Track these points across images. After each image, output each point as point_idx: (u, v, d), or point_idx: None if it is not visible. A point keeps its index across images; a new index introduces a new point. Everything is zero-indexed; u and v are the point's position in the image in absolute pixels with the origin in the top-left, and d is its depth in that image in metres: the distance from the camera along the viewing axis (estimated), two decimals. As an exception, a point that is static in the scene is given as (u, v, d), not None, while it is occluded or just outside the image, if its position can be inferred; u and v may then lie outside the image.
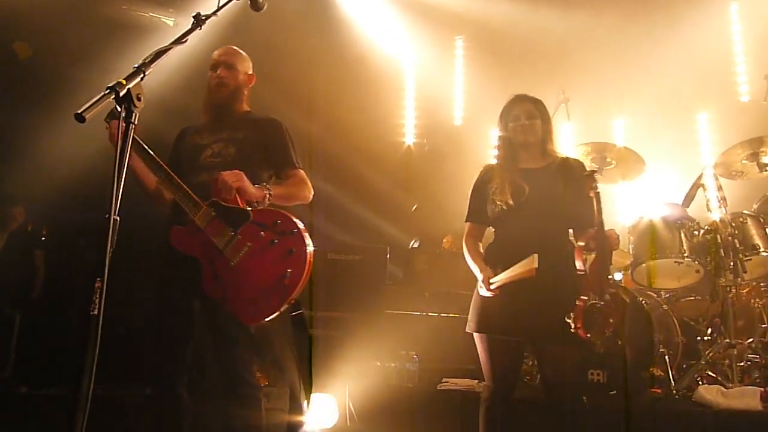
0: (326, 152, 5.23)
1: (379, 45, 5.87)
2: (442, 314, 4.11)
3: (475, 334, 2.45)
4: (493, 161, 2.69)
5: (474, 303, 2.48)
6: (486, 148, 5.88)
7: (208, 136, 2.56)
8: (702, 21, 5.29)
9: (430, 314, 4.10)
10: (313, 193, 2.60)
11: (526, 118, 2.49)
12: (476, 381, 3.42)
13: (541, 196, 2.40)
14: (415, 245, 5.14)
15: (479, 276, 2.41)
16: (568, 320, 2.23)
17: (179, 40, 1.57)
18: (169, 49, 1.51)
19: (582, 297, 2.26)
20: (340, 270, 4.43)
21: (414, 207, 5.64)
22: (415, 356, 3.52)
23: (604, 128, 5.21)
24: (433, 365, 3.79)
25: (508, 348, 2.37)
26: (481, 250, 2.55)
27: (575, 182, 2.41)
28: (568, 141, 4.85)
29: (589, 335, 2.21)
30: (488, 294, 2.34)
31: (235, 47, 2.72)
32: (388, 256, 4.69)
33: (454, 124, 6.03)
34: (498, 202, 2.41)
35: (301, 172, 2.60)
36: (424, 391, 3.45)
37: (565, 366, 2.37)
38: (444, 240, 5.08)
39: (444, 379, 3.44)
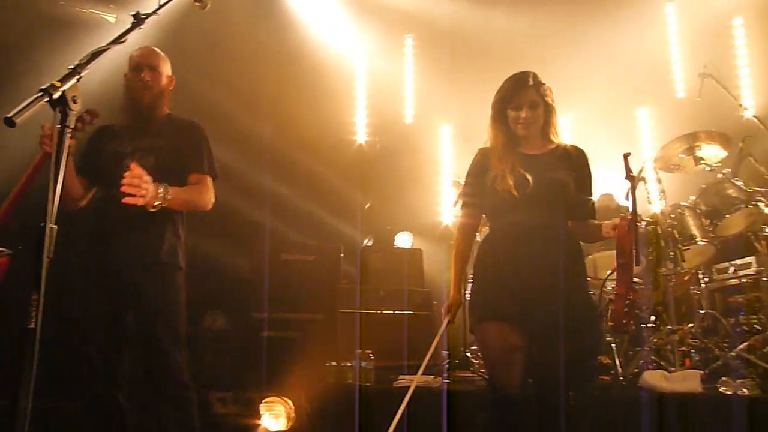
0: (277, 151, 5.18)
1: (328, 43, 5.83)
2: (396, 312, 4.13)
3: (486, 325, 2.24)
4: (487, 144, 2.44)
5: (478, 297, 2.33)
6: (437, 146, 5.96)
7: (129, 143, 2.52)
8: (640, 20, 5.50)
9: (385, 312, 4.12)
10: (213, 201, 2.57)
11: (528, 108, 2.27)
12: (432, 377, 3.46)
13: (545, 185, 2.23)
14: (369, 244, 5.15)
15: (452, 291, 2.38)
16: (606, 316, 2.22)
17: (117, 40, 1.51)
18: (107, 49, 1.46)
19: (617, 292, 2.26)
20: (293, 270, 4.40)
21: (367, 205, 5.64)
22: (371, 355, 3.52)
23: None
24: (390, 363, 3.82)
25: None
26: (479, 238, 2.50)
27: (578, 171, 2.32)
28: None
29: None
30: (444, 321, 2.32)
31: (156, 48, 2.65)
32: (341, 255, 4.68)
33: (405, 122, 6.07)
34: (500, 191, 2.22)
35: (208, 179, 2.56)
36: (381, 389, 3.45)
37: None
38: (397, 237, 5.11)
39: (400, 377, 3.45)
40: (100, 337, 2.43)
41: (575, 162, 2.33)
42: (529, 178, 2.21)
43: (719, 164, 3.78)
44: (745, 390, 2.95)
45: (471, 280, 2.48)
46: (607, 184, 4.15)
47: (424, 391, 3.16)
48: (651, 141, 5.37)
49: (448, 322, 2.42)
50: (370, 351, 3.54)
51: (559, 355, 2.18)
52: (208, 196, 2.54)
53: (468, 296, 2.45)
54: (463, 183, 2.50)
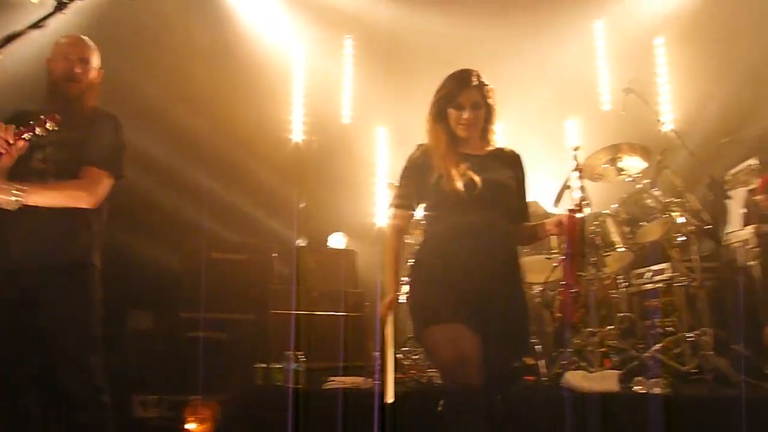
0: (212, 147, 5.06)
1: (266, 39, 5.77)
2: (329, 313, 4.12)
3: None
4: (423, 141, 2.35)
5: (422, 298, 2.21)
6: (373, 147, 5.99)
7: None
8: (571, 35, 5.74)
9: (317, 313, 4.10)
10: (100, 197, 2.38)
11: (471, 109, 2.21)
12: (362, 378, 3.47)
13: (491, 186, 2.18)
14: (303, 244, 5.11)
15: (388, 291, 2.25)
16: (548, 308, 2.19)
17: (37, 25, 1.43)
18: (24, 33, 1.37)
19: (563, 283, 2.21)
20: (224, 270, 4.30)
21: (302, 205, 5.59)
22: (301, 356, 3.49)
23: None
24: (321, 364, 3.80)
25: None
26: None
27: (517, 174, 2.31)
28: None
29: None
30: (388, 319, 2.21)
31: (86, 38, 2.50)
32: (275, 255, 4.62)
33: (342, 122, 6.06)
34: (447, 191, 2.14)
35: (98, 172, 2.35)
36: (311, 391, 3.43)
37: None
38: (331, 238, 5.10)
39: (330, 379, 3.44)
40: (2, 344, 2.26)
41: (514, 165, 2.33)
42: (477, 179, 2.16)
43: (639, 175, 3.97)
44: (657, 389, 3.12)
45: (408, 283, 2.38)
46: (533, 191, 4.30)
47: (354, 393, 3.18)
48: (579, 151, 5.59)
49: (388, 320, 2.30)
50: (301, 352, 3.50)
51: (499, 355, 2.17)
52: (88, 191, 2.33)
53: (404, 299, 2.38)
54: (397, 183, 2.38)
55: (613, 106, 5.58)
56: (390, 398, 2.14)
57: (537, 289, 4.12)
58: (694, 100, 5.47)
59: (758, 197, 3.60)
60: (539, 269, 3.97)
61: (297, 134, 5.97)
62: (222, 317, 3.99)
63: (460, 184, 2.13)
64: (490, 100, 2.25)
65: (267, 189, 5.37)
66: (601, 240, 3.79)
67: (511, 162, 2.33)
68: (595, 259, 3.69)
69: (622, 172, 3.99)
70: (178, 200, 4.78)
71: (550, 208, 4.08)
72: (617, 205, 4.02)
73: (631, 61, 5.63)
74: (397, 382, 3.65)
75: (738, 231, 4.20)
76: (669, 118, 5.49)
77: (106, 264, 2.48)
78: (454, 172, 2.15)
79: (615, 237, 3.84)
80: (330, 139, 5.90)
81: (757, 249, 3.98)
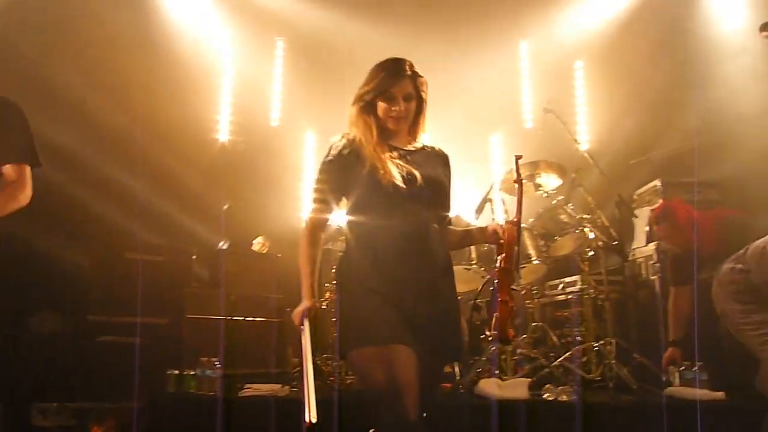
0: (134, 145, 4.88)
1: (195, 37, 5.63)
2: (248, 318, 4.04)
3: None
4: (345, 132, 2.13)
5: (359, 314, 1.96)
6: (301, 151, 5.95)
7: None
8: (498, 53, 5.95)
9: (235, 318, 4.01)
10: (30, 194, 2.28)
11: (403, 101, 2.05)
12: (279, 385, 3.42)
13: (429, 182, 2.03)
14: (225, 246, 4.99)
15: (304, 297, 1.99)
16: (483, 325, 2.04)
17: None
18: None
19: (501, 299, 2.00)
20: (139, 271, 4.13)
21: (225, 207, 5.47)
22: (216, 363, 3.40)
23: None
24: (237, 371, 3.72)
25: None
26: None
27: (447, 174, 2.17)
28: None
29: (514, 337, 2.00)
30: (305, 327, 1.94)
31: None
32: (194, 257, 4.49)
33: (270, 124, 5.99)
34: (384, 185, 1.94)
35: (25, 169, 2.26)
36: (225, 399, 3.34)
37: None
38: (255, 241, 5.01)
39: (246, 386, 3.37)
40: None
41: (444, 164, 2.19)
42: (416, 173, 1.99)
43: (554, 191, 4.17)
44: (564, 396, 3.27)
45: (335, 289, 2.23)
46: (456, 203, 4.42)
47: (271, 401, 3.13)
48: (500, 165, 5.81)
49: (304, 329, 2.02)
50: (216, 359, 3.41)
51: (433, 368, 2.04)
52: (23, 190, 2.25)
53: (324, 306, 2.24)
54: (317, 175, 2.11)
55: (535, 123, 5.81)
56: (312, 418, 1.79)
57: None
58: (608, 122, 5.81)
59: (655, 227, 3.84)
60: (458, 279, 4.06)
61: (224, 135, 5.84)
62: (134, 321, 3.81)
63: (398, 178, 1.95)
64: (423, 93, 2.11)
65: (190, 189, 5.22)
66: (518, 253, 3.93)
67: (442, 161, 2.19)
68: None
69: (539, 188, 4.18)
70: (93, 197, 4.56)
71: (471, 220, 4.20)
72: (533, 220, 4.20)
73: (553, 82, 5.91)
74: (315, 389, 3.67)
75: (642, 247, 4.50)
76: (584, 138, 5.81)
77: (7, 262, 2.33)
78: (390, 164, 1.97)
79: (531, 250, 4.02)
80: (257, 141, 5.80)
81: (658, 265, 4.28)
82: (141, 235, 4.60)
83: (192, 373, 3.34)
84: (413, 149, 2.12)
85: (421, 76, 2.10)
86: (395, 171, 1.96)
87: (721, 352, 3.42)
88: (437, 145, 2.22)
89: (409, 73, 2.07)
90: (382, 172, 1.95)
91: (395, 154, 2.04)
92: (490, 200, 4.04)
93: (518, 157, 2.18)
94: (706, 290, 3.13)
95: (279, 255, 4.79)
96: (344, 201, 2.08)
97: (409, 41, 5.41)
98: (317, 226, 2.08)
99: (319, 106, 5.56)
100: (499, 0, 5.72)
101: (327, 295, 3.99)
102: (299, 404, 3.29)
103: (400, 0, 5.84)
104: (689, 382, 3.52)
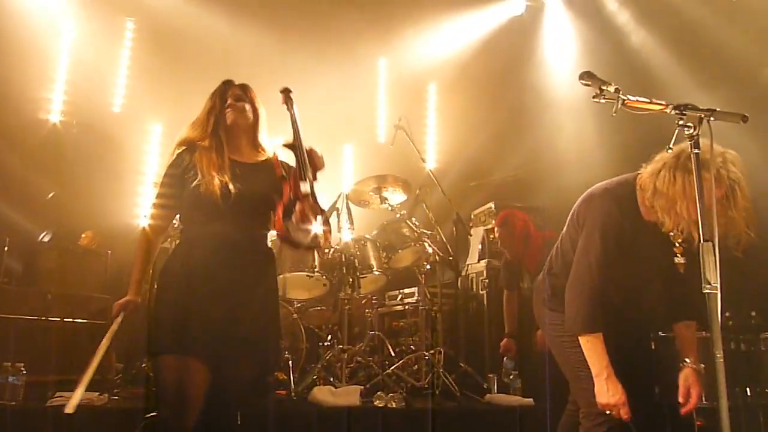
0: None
1: (30, 4, 5.06)
2: (66, 319, 3.67)
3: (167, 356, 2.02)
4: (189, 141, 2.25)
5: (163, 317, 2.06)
6: (144, 143, 5.59)
7: None
8: (358, 67, 6.08)
9: (50, 319, 3.62)
10: None
11: (235, 100, 2.22)
12: (96, 394, 3.15)
13: (251, 195, 2.12)
14: (45, 239, 4.51)
15: (129, 291, 2.11)
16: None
17: None
18: None
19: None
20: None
21: (50, 195, 4.96)
22: (22, 368, 3.04)
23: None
24: (50, 378, 3.36)
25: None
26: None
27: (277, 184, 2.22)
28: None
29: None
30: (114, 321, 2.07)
31: None
32: (5, 248, 3.99)
33: (112, 110, 5.55)
34: (203, 196, 2.04)
35: None
36: (30, 408, 3.00)
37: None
38: (83, 235, 4.58)
39: (57, 394, 3.06)
40: None
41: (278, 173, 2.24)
42: (237, 186, 2.08)
43: (398, 206, 4.34)
44: (393, 403, 3.40)
45: (156, 292, 2.21)
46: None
47: (84, 412, 2.86)
48: (351, 175, 5.93)
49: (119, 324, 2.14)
50: (22, 364, 3.06)
51: (240, 376, 2.10)
52: None
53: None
54: (160, 180, 2.24)
55: (387, 138, 6.01)
56: (69, 409, 1.87)
57: (297, 305, 4.22)
58: (453, 144, 6.20)
59: (495, 231, 4.19)
60: (300, 286, 4.08)
61: (55, 115, 5.31)
62: None
63: (217, 190, 2.04)
64: (255, 102, 2.27)
65: (9, 172, 4.67)
66: (360, 263, 4.03)
67: (278, 173, 2.23)
68: (352, 280, 3.91)
69: (385, 201, 4.33)
70: None
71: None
72: (377, 231, 4.33)
73: (407, 100, 6.17)
74: (138, 396, 3.44)
75: (475, 264, 4.84)
76: (431, 157, 6.14)
77: None
78: (214, 176, 2.07)
79: (372, 260, 4.13)
80: (96, 126, 5.33)
81: (487, 280, 4.63)
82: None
83: (-9, 379, 2.96)
84: (251, 162, 2.22)
85: (252, 90, 2.29)
86: (218, 183, 2.06)
87: (533, 361, 3.79)
88: (288, 153, 2.23)
89: (237, 83, 2.28)
90: (204, 187, 2.05)
91: (228, 166, 2.13)
92: (338, 209, 4.10)
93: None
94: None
95: (109, 251, 4.43)
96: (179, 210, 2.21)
97: (268, 42, 5.35)
98: (154, 230, 2.20)
99: (167, 95, 5.28)
100: (365, 16, 5.85)
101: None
102: (121, 413, 3.09)
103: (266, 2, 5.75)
104: (505, 389, 3.87)
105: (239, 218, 2.10)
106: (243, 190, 2.09)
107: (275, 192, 2.17)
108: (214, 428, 2.06)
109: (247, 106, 2.24)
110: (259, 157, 2.25)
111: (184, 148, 2.21)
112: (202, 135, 2.18)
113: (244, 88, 2.29)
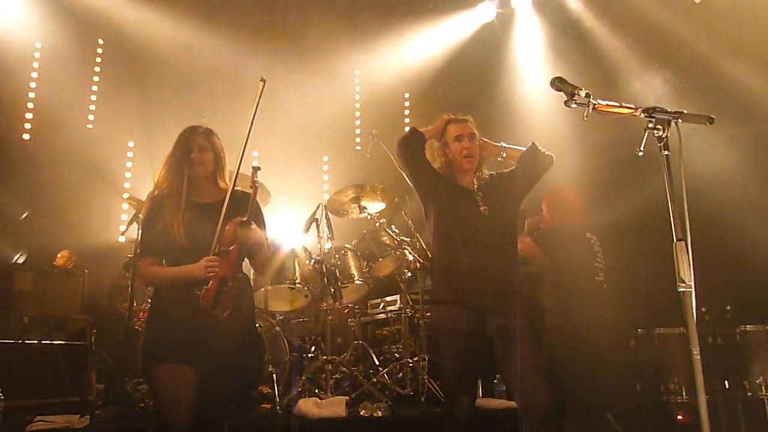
0: None
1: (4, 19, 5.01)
2: (43, 341, 3.61)
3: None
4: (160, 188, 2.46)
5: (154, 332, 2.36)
6: (118, 160, 5.53)
7: None
8: (336, 77, 6.09)
9: (27, 342, 3.56)
10: None
11: (198, 151, 2.40)
12: (77, 416, 3.10)
13: (209, 235, 2.31)
14: (20, 260, 4.43)
15: (194, 270, 2.24)
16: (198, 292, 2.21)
17: None
18: None
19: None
20: None
21: (24, 215, 4.87)
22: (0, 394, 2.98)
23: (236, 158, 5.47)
24: (27, 402, 3.30)
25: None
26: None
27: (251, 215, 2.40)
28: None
29: (214, 311, 2.21)
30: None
31: None
32: (-22, 271, 3.92)
33: (86, 126, 5.49)
34: (173, 239, 2.28)
35: None
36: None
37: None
38: (59, 255, 4.51)
39: (37, 418, 3.00)
40: None
41: (244, 206, 2.39)
42: (198, 229, 2.30)
43: (377, 214, 4.35)
44: (379, 412, 3.39)
45: (149, 313, 2.51)
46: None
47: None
48: (330, 185, 5.93)
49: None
50: (-1, 389, 2.99)
51: (224, 389, 2.31)
52: None
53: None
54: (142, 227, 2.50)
55: (364, 147, 6.03)
56: None
57: (279, 317, 4.19)
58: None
59: None
60: (282, 298, 4.06)
61: (26, 134, 5.24)
62: None
63: (182, 233, 2.27)
64: (217, 147, 2.46)
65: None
66: (341, 272, 4.02)
67: (241, 203, 2.40)
68: (334, 290, 3.89)
69: (364, 210, 4.33)
70: None
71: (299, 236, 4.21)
72: (357, 241, 4.33)
73: (383, 110, 6.19)
74: (121, 416, 3.38)
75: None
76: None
77: None
78: (176, 219, 2.30)
79: (353, 270, 4.13)
80: (70, 145, 5.25)
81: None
82: None
83: (-34, 406, 2.89)
84: (211, 202, 2.40)
85: (214, 134, 2.47)
86: (180, 227, 2.28)
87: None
88: (270, 164, 2.36)
89: (201, 131, 2.45)
90: (171, 228, 2.29)
91: (189, 209, 2.34)
92: (317, 220, 4.08)
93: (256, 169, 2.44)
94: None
95: (86, 271, 4.36)
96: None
97: (243, 58, 5.34)
98: (152, 275, 2.42)
99: (141, 114, 5.24)
100: (338, 29, 5.86)
101: (141, 315, 3.81)
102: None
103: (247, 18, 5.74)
104: (490, 392, 3.88)
105: (204, 253, 2.28)
106: (204, 230, 2.29)
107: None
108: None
109: (210, 156, 2.43)
110: (220, 195, 2.42)
111: (153, 198, 2.42)
112: (168, 187, 2.38)
113: (208, 135, 2.46)
